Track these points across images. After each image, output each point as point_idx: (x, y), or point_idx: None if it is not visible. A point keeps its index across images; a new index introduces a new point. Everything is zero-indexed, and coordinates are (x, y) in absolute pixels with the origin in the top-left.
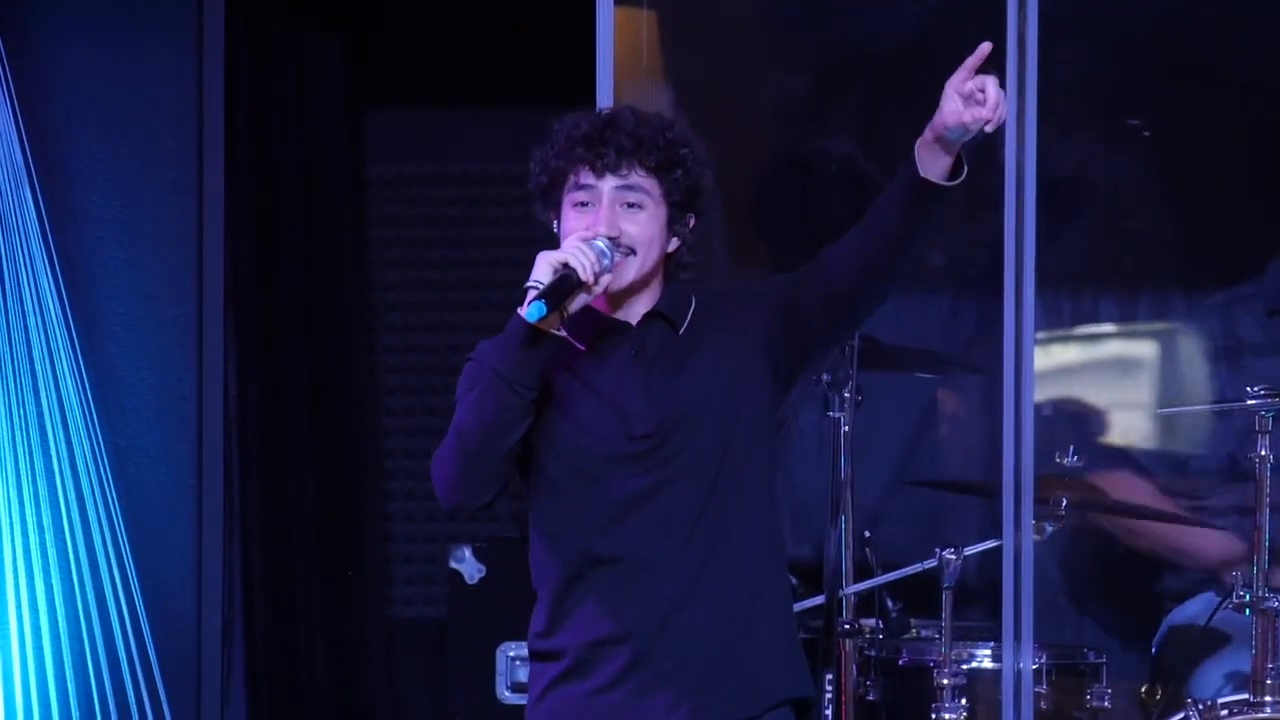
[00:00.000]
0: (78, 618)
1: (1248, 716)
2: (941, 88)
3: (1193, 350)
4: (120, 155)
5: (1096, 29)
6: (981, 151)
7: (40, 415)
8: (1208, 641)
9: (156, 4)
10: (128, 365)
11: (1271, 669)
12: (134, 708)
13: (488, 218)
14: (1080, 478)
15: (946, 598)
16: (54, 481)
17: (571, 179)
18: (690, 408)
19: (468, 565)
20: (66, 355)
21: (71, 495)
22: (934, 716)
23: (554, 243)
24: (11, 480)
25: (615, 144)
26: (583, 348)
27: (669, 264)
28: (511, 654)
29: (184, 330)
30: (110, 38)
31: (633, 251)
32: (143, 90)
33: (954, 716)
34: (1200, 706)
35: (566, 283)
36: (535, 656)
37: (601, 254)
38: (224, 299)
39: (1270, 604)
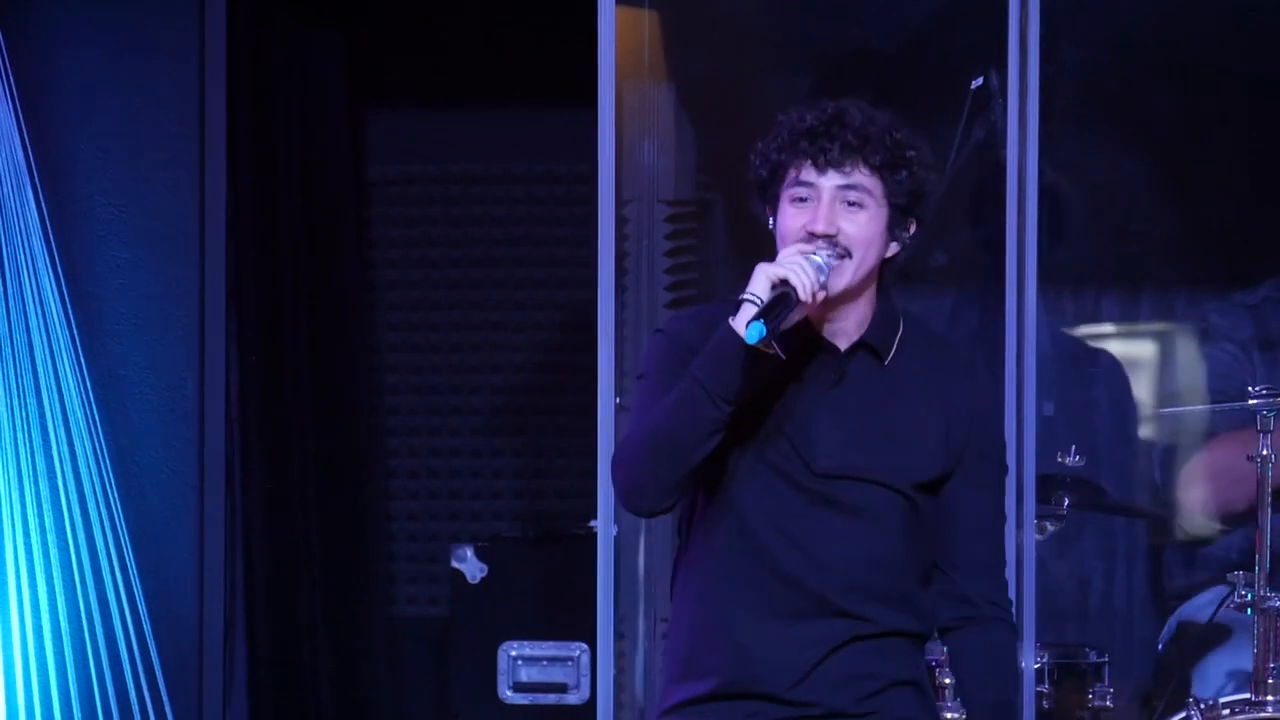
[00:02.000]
0: (79, 617)
1: (1249, 715)
2: (944, 88)
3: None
4: (122, 155)
5: (1099, 29)
6: (984, 151)
7: (42, 415)
8: (1210, 639)
9: (158, 3)
10: (129, 365)
11: (1273, 668)
12: (135, 706)
13: (490, 217)
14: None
15: None
16: (55, 481)
17: (792, 174)
18: (878, 450)
19: (470, 565)
20: (68, 355)
21: (73, 494)
22: (938, 717)
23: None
24: (13, 479)
25: (841, 139)
26: (785, 357)
27: (884, 273)
28: (513, 653)
29: (186, 330)
30: (112, 37)
31: (848, 254)
32: (144, 90)
33: (956, 716)
34: (1202, 705)
35: (784, 301)
36: None
37: (820, 269)
38: (226, 298)
39: (1272, 603)
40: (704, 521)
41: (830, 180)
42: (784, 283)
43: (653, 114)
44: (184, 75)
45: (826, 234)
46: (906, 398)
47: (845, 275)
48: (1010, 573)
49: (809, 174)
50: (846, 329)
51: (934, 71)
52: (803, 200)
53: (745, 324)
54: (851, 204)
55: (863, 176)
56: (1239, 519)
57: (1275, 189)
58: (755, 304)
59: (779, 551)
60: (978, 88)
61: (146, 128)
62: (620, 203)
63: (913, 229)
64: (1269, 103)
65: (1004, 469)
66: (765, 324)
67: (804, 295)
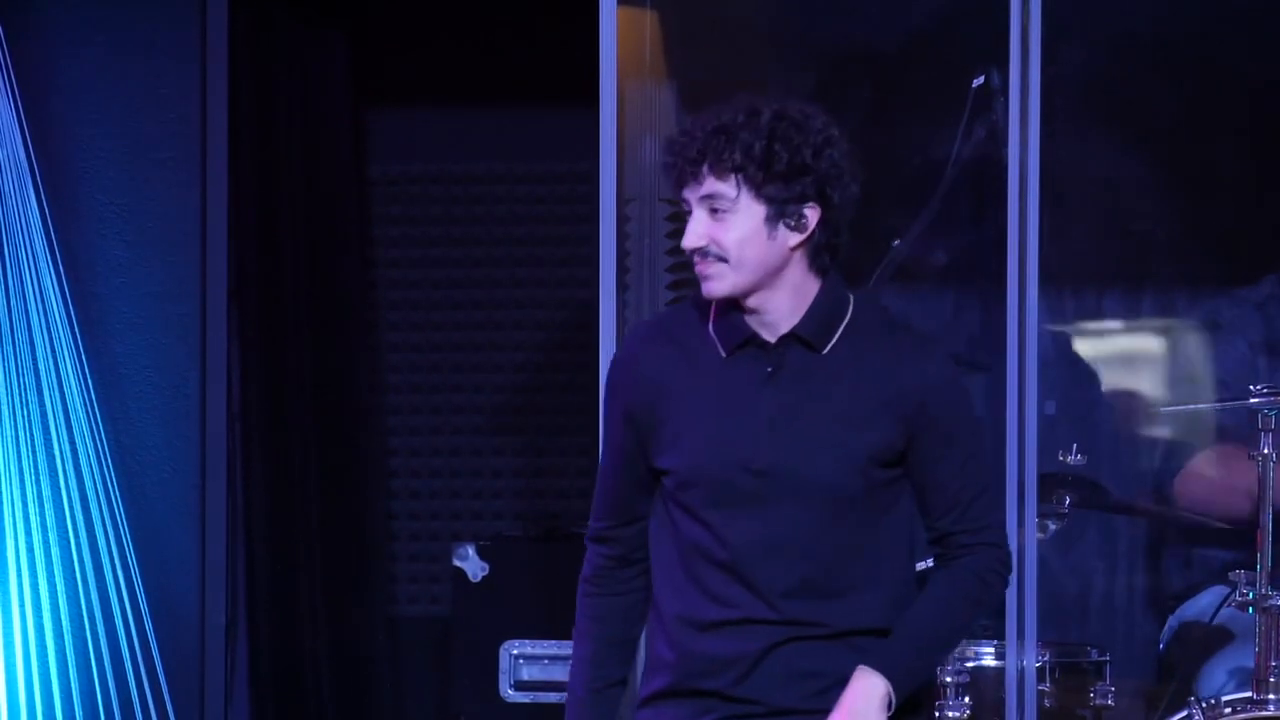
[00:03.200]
0: (81, 616)
1: (1251, 714)
2: (945, 87)
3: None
4: (123, 153)
5: (1100, 28)
6: (985, 150)
7: (44, 413)
8: (1214, 637)
9: (160, 2)
10: (131, 364)
11: (1275, 667)
12: (137, 706)
13: (491, 216)
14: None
15: None
16: (57, 480)
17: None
18: (815, 441)
19: (471, 563)
20: (70, 353)
21: (75, 494)
22: (937, 715)
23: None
24: (15, 478)
25: (684, 155)
26: (725, 354)
27: (810, 255)
28: (515, 652)
29: (187, 329)
30: (114, 36)
31: (724, 259)
32: (146, 88)
33: (957, 715)
34: (1204, 704)
35: None
36: None
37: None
38: (227, 297)
39: (1274, 602)
40: (658, 522)
41: (694, 194)
42: None
43: (654, 113)
44: (185, 74)
45: (696, 247)
46: (846, 383)
47: (727, 280)
48: (1012, 572)
49: (680, 191)
50: (775, 322)
51: (935, 71)
52: (689, 215)
53: None
54: (715, 211)
55: (715, 183)
56: (1238, 522)
57: (1275, 187)
58: None
59: (718, 550)
60: (979, 87)
61: (148, 126)
62: (622, 202)
63: (812, 213)
64: (1270, 101)
65: (971, 426)
66: None
67: None
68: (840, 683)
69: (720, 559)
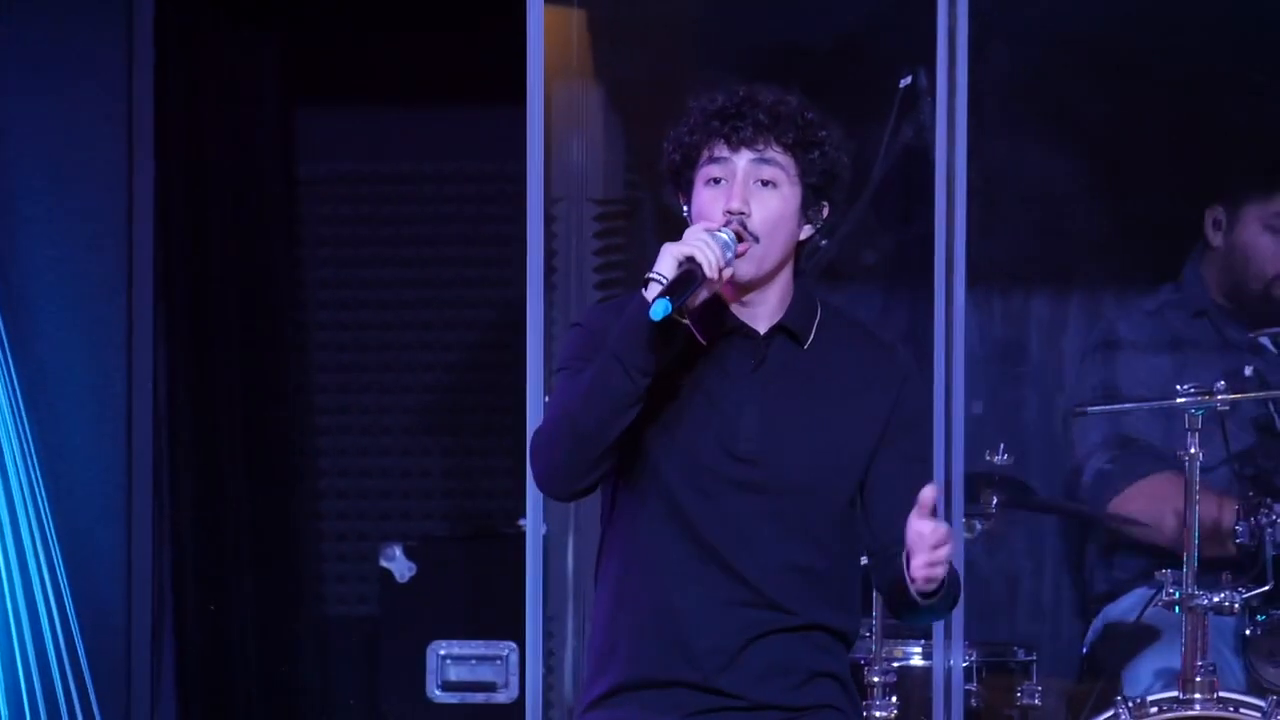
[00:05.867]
0: (6, 617)
1: (1177, 714)
2: (873, 87)
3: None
4: (49, 154)
5: (1027, 28)
6: (913, 151)
7: None
8: (1140, 637)
9: (87, 3)
10: (57, 363)
11: (1200, 666)
12: (64, 707)
13: (419, 216)
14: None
15: (877, 596)
16: None
17: (705, 154)
18: (800, 432)
19: (398, 564)
20: None
21: (0, 494)
22: (865, 714)
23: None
24: None
25: (752, 118)
26: (705, 341)
27: (800, 255)
28: (442, 652)
29: (114, 329)
30: (40, 36)
31: (756, 240)
32: (72, 89)
33: (885, 714)
34: (1130, 704)
35: (690, 279)
36: None
37: (725, 246)
38: (154, 297)
39: (1199, 602)
40: (625, 510)
41: (743, 158)
42: (689, 260)
43: (581, 112)
44: (112, 73)
45: (738, 211)
46: (828, 380)
47: (753, 261)
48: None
49: (722, 152)
50: (763, 313)
51: (864, 70)
52: (717, 181)
53: (651, 301)
54: (765, 183)
55: (775, 154)
56: (1168, 541)
57: (1202, 188)
58: (660, 282)
59: (701, 536)
60: (906, 86)
61: (74, 125)
62: (549, 201)
63: (825, 212)
64: (1195, 100)
65: (929, 432)
66: (671, 300)
67: (710, 272)
68: (814, 677)
69: (699, 545)
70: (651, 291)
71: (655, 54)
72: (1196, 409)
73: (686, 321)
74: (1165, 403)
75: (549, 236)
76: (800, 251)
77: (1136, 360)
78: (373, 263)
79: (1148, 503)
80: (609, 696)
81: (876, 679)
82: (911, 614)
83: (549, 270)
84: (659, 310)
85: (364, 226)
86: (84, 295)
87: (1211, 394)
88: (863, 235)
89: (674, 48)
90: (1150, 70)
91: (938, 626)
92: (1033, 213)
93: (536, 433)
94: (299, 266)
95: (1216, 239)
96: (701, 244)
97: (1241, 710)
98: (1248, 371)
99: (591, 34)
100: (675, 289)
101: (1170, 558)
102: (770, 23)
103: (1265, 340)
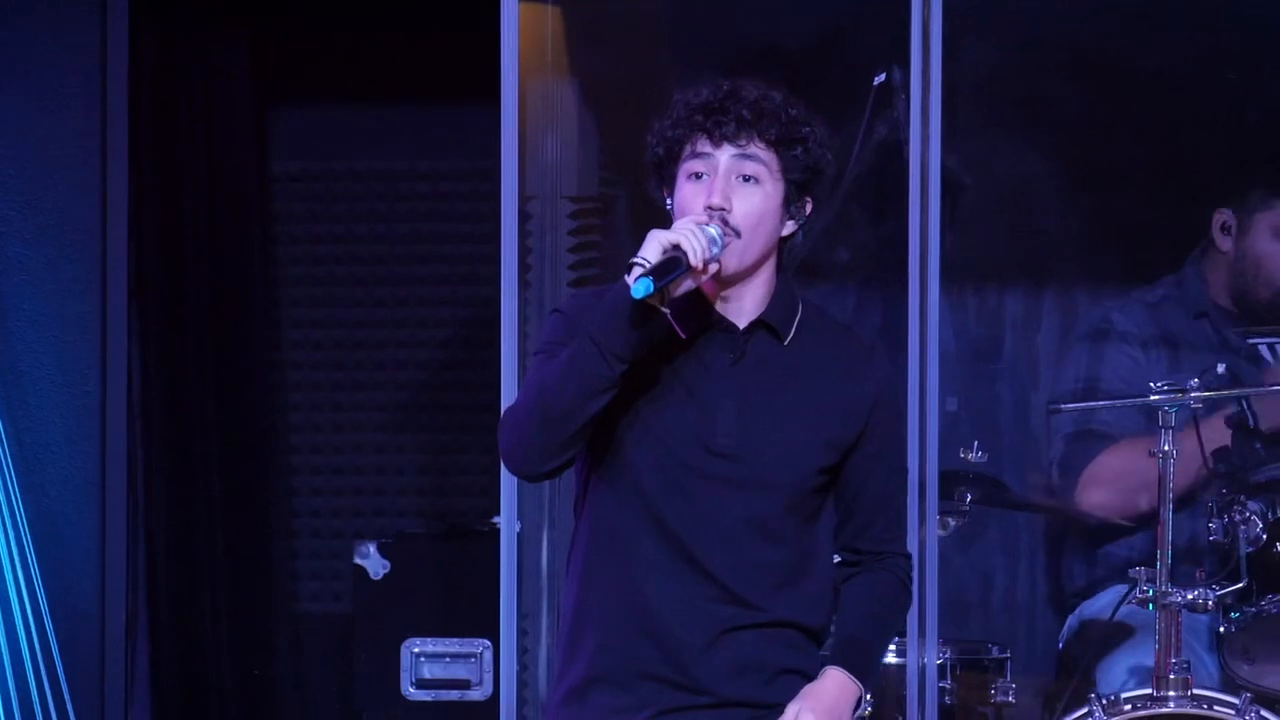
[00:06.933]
0: None
1: (1151, 711)
2: (848, 85)
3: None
4: (24, 152)
5: (1001, 27)
6: (887, 148)
7: None
8: (1114, 635)
9: (61, 2)
10: (31, 360)
11: (1174, 664)
12: (37, 705)
13: (393, 213)
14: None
15: None
16: None
17: (688, 149)
18: (778, 428)
19: (372, 561)
20: None
21: None
22: None
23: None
24: None
25: (735, 113)
26: (684, 335)
27: (783, 251)
28: (416, 650)
29: (88, 326)
30: (14, 36)
31: (738, 234)
32: (47, 88)
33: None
34: (1104, 701)
35: (675, 265)
36: None
37: (713, 241)
38: (128, 295)
39: (1173, 599)
40: (597, 500)
41: (725, 153)
42: (675, 247)
43: (556, 110)
44: (86, 71)
45: (719, 207)
46: (807, 377)
47: (734, 256)
48: (914, 570)
49: (705, 147)
50: (744, 308)
51: (838, 68)
52: (699, 176)
53: (633, 281)
54: (747, 178)
55: (758, 149)
56: (1142, 519)
57: (1175, 186)
58: (644, 266)
59: (670, 530)
60: (880, 84)
61: (49, 125)
62: (523, 199)
63: (809, 209)
64: (1170, 99)
65: (903, 434)
66: (653, 281)
67: (694, 260)
68: (781, 673)
69: (668, 538)
70: (635, 275)
71: (630, 52)
72: (1170, 406)
73: (666, 310)
74: (1137, 400)
75: (524, 234)
76: (783, 247)
77: (1124, 354)
78: (346, 261)
79: (1108, 486)
80: (578, 691)
81: None
82: None
83: (524, 268)
84: (640, 289)
85: (338, 224)
86: (58, 293)
87: (1185, 391)
88: (837, 232)
89: (649, 46)
90: (1124, 67)
91: (912, 624)
92: (1006, 210)
93: (508, 410)
94: (273, 264)
95: (1225, 243)
96: (689, 233)
97: (1215, 707)
98: (1220, 369)
99: (566, 31)
100: (658, 272)
101: (1148, 552)
102: (744, 21)
103: (1263, 348)
